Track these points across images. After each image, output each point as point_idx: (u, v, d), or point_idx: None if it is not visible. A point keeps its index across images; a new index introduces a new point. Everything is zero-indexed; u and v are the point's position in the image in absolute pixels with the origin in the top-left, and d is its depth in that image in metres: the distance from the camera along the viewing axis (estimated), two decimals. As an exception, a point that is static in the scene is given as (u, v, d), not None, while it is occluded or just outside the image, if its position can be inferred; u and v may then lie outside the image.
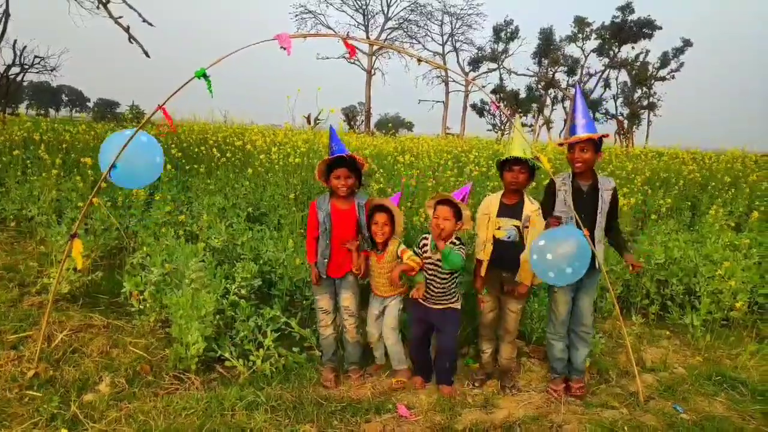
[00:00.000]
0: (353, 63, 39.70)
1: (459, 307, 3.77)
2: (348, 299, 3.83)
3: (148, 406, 3.25)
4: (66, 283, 4.62)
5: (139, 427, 3.06)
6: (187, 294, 3.74)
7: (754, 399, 3.80)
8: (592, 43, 39.93)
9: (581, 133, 3.52)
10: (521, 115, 43.38)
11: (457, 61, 44.43)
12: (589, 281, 3.66)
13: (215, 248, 5.12)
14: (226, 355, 3.75)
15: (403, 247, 3.77)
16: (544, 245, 3.22)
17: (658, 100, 39.76)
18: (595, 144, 3.55)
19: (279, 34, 3.14)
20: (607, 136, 3.65)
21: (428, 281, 3.73)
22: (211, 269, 4.26)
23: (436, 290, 3.70)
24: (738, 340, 4.80)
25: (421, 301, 3.76)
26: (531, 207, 3.63)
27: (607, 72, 40.12)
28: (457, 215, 3.57)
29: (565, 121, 40.28)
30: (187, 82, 3.16)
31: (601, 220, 3.59)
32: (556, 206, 3.67)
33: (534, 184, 4.09)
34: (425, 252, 3.74)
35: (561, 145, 3.67)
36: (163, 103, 3.19)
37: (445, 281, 3.67)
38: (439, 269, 3.66)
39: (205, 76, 3.10)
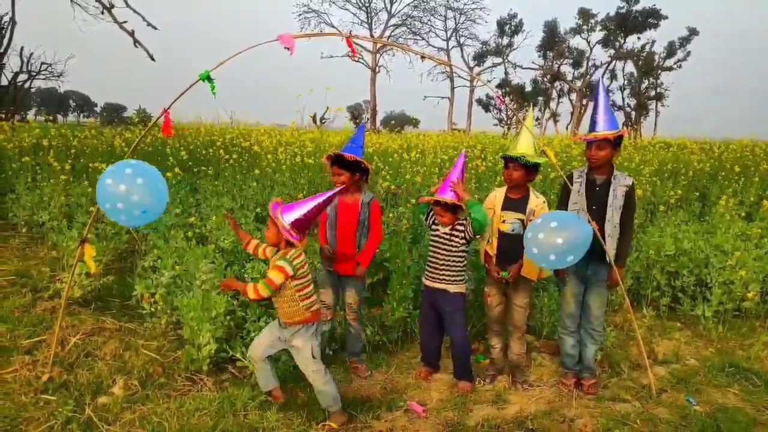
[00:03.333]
0: (358, 61, 39.66)
1: (463, 291, 3.74)
2: (352, 297, 3.93)
3: (161, 407, 3.27)
4: (78, 287, 4.66)
5: (153, 428, 3.09)
6: (198, 296, 3.76)
7: (768, 390, 3.78)
8: (597, 35, 39.68)
9: (600, 130, 3.53)
10: (527, 108, 43.13)
11: (462, 56, 44.27)
12: (597, 277, 3.65)
13: (225, 249, 5.14)
14: (238, 355, 3.78)
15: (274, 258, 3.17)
16: (540, 225, 3.20)
17: (666, 90, 39.52)
18: (613, 140, 3.55)
19: (281, 35, 3.14)
20: (623, 133, 3.64)
21: (430, 254, 3.76)
22: (221, 270, 4.28)
23: (438, 264, 3.70)
24: (750, 331, 4.77)
25: (424, 280, 3.80)
26: (536, 201, 3.65)
27: (613, 63, 39.87)
28: (452, 207, 3.59)
29: (572, 113, 40.12)
30: (191, 85, 3.17)
31: (612, 215, 3.58)
32: (570, 198, 3.69)
33: (541, 177, 4.08)
34: (434, 221, 3.76)
35: (588, 141, 3.63)
36: (168, 107, 3.20)
37: (448, 254, 3.66)
38: (441, 242, 3.67)
39: (209, 78, 3.11)
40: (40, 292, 4.95)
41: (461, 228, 3.64)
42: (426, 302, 3.85)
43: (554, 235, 3.07)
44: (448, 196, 3.55)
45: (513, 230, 3.65)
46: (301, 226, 3.06)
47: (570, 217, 3.24)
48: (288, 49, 3.13)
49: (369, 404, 3.50)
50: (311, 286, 3.22)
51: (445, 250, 3.69)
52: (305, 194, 6.95)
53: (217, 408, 3.29)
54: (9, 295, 4.79)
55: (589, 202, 3.58)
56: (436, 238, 3.73)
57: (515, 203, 3.69)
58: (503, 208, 3.70)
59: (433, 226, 3.77)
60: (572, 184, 3.69)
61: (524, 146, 3.59)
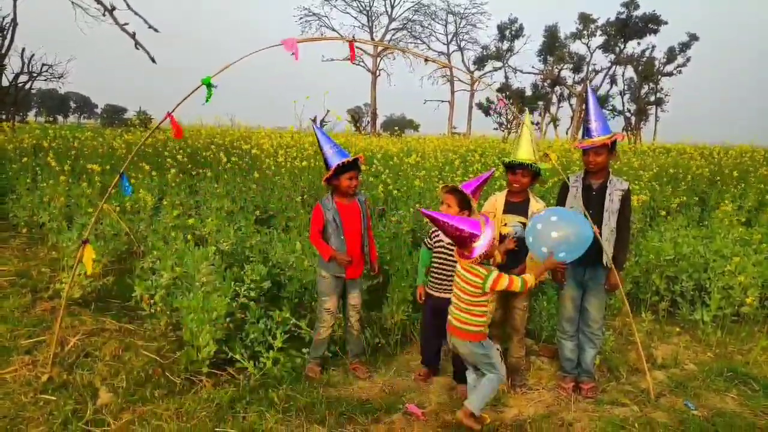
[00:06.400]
0: (358, 65, 39.74)
1: None
2: (356, 298, 3.95)
3: (160, 408, 3.27)
4: (78, 287, 4.67)
5: (152, 429, 3.09)
6: (197, 297, 3.76)
7: (766, 395, 3.78)
8: (598, 40, 39.79)
9: (595, 137, 3.54)
10: (528, 111, 43.11)
11: (462, 60, 44.37)
12: (595, 281, 3.67)
13: (224, 251, 5.15)
14: (237, 357, 3.78)
15: None
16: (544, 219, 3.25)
17: (665, 95, 39.61)
18: (609, 145, 3.57)
19: (285, 40, 3.15)
20: (621, 137, 3.66)
21: (435, 265, 3.77)
22: (221, 272, 4.29)
23: (443, 275, 3.71)
24: (749, 336, 4.78)
25: (429, 290, 3.80)
26: (537, 205, 3.68)
27: (613, 68, 39.95)
28: (462, 204, 3.60)
29: (572, 118, 40.18)
30: (194, 90, 3.19)
31: (608, 219, 3.60)
32: (567, 202, 3.71)
33: (549, 184, 4.11)
34: (437, 236, 3.77)
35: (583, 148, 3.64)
36: (172, 111, 3.22)
37: (452, 265, 3.66)
38: (445, 252, 3.69)
39: (209, 85, 3.13)
40: (39, 292, 4.96)
41: None
42: (430, 308, 3.85)
43: (565, 227, 3.11)
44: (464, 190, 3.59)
45: (515, 234, 3.66)
46: None
47: (573, 215, 3.27)
48: (293, 54, 3.15)
49: (368, 406, 3.50)
50: None
51: (449, 260, 3.69)
52: (305, 196, 6.97)
53: (216, 409, 3.29)
54: (9, 295, 4.80)
55: (585, 206, 3.59)
56: (440, 249, 3.73)
57: (517, 206, 3.71)
58: (505, 212, 3.72)
59: (436, 239, 3.77)
60: (570, 187, 3.71)
61: (529, 152, 3.61)
